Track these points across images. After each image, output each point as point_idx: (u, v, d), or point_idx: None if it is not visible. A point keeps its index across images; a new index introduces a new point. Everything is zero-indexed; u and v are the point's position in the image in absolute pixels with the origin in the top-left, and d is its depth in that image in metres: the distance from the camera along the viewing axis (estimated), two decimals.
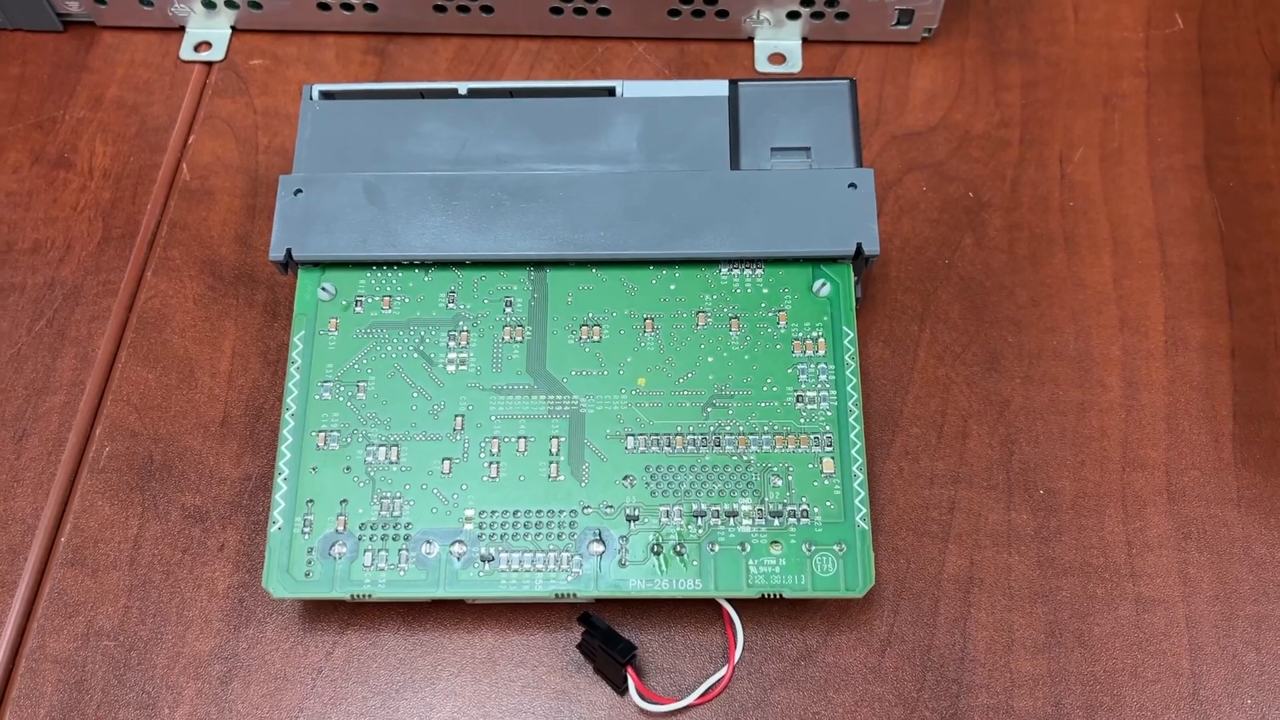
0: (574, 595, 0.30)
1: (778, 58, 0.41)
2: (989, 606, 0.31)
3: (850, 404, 0.31)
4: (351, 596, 0.30)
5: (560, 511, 0.31)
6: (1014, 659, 0.31)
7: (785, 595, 0.30)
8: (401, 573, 0.30)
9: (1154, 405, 0.34)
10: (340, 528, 0.31)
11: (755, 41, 0.41)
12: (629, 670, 0.30)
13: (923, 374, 0.35)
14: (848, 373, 0.32)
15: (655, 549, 0.30)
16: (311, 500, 0.31)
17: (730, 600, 0.31)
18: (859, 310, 0.35)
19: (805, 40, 0.41)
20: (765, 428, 0.31)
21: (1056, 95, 0.40)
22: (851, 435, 0.31)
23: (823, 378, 0.32)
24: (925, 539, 0.32)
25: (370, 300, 0.33)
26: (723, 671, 0.31)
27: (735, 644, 0.31)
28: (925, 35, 0.41)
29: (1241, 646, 0.31)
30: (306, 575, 0.30)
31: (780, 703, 0.30)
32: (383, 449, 0.32)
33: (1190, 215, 0.37)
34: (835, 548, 0.30)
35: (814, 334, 0.32)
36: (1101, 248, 0.37)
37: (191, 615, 0.32)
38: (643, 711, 0.30)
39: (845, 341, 0.32)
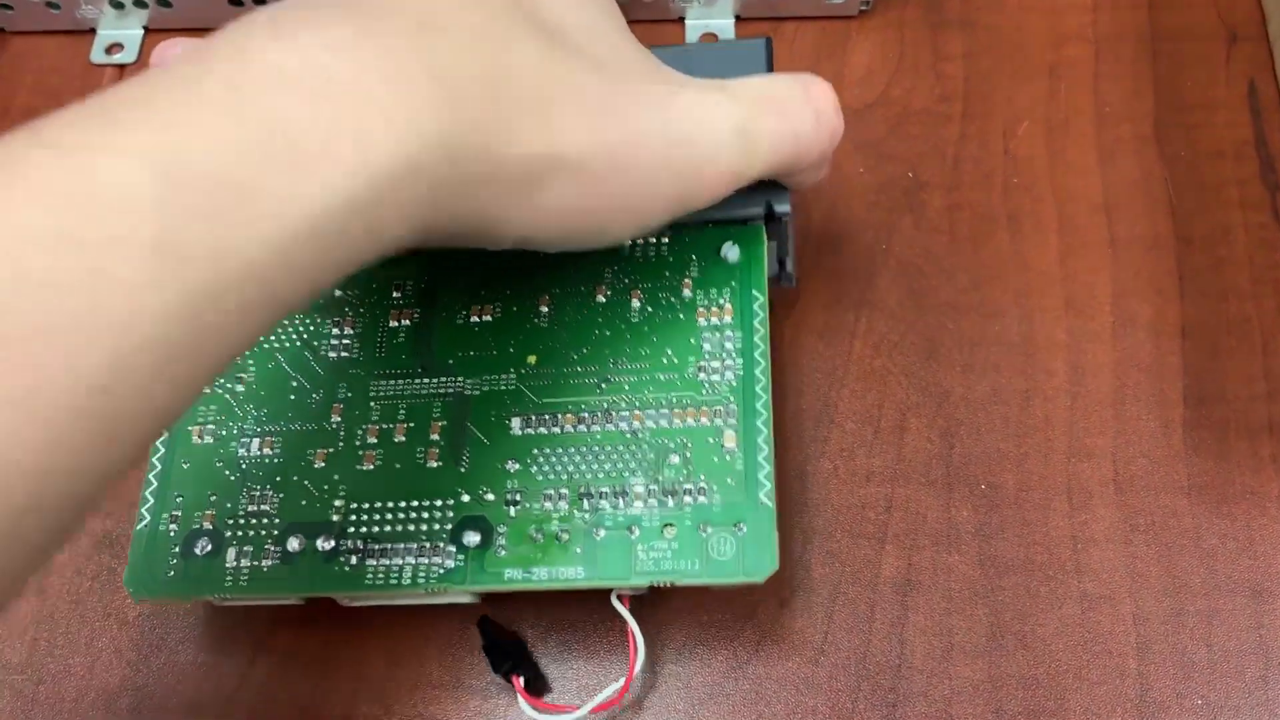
0: (446, 589, 0.28)
1: (709, 37, 0.39)
2: (927, 610, 0.30)
3: (758, 372, 0.29)
4: (215, 597, 0.28)
5: (436, 500, 0.29)
6: (953, 664, 0.29)
7: (677, 583, 0.27)
8: (265, 570, 0.28)
9: (1100, 391, 0.33)
10: (207, 524, 0.29)
11: (686, 21, 0.39)
12: (515, 680, 0.29)
13: (859, 366, 0.33)
14: (756, 339, 0.29)
15: (534, 536, 0.28)
16: (180, 496, 0.29)
17: (638, 596, 0.28)
18: (792, 301, 0.34)
19: (738, 18, 0.39)
20: (663, 401, 0.29)
21: (999, 66, 0.38)
22: (758, 405, 0.28)
23: (728, 345, 0.29)
24: (861, 541, 0.31)
25: None
26: (619, 683, 0.28)
27: (635, 650, 0.28)
28: (863, 8, 0.39)
29: (1191, 643, 0.29)
30: (168, 575, 0.29)
31: (708, 718, 0.29)
32: (256, 440, 0.30)
33: (1139, 188, 0.35)
34: (734, 528, 0.27)
35: (720, 300, 0.30)
36: (1046, 225, 0.35)
37: (101, 645, 0.31)
38: None
39: (755, 306, 0.30)
